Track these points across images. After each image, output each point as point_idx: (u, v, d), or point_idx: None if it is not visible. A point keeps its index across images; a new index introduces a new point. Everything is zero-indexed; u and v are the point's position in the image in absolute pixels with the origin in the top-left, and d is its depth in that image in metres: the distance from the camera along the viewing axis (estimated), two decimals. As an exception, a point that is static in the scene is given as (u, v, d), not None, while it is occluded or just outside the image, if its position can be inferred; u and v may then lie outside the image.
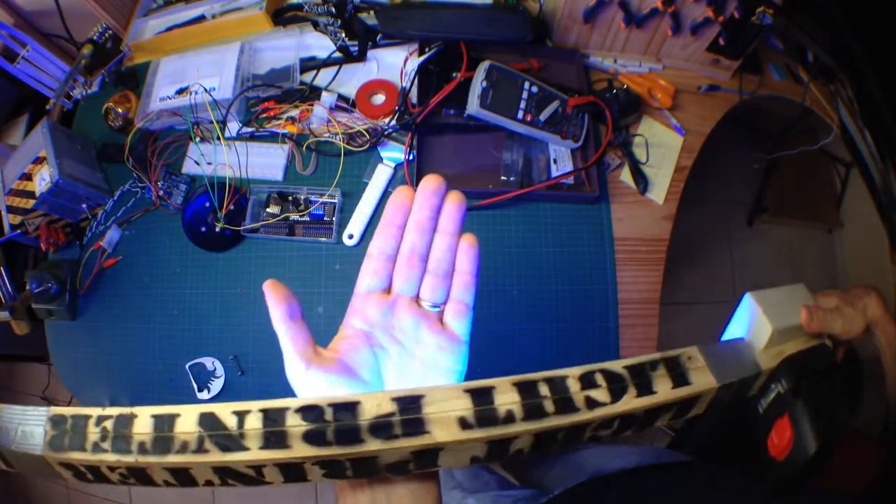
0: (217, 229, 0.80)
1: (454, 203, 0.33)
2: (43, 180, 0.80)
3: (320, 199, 0.80)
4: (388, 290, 0.35)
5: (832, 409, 0.38)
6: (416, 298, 0.35)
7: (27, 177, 0.82)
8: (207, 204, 0.82)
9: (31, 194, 0.81)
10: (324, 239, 0.79)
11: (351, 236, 0.79)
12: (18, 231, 0.82)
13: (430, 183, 0.33)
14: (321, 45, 0.88)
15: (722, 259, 1.55)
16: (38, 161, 0.82)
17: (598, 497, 0.53)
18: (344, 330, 0.35)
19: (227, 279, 0.81)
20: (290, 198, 0.81)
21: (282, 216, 0.79)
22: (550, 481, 0.69)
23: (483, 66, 0.75)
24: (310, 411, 0.28)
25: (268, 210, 0.80)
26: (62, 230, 0.84)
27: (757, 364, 0.37)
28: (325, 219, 0.80)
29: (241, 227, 0.79)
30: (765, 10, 0.78)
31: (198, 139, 0.84)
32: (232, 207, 0.80)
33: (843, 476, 0.45)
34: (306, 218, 0.80)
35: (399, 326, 0.34)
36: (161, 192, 0.82)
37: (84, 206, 0.84)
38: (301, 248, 0.80)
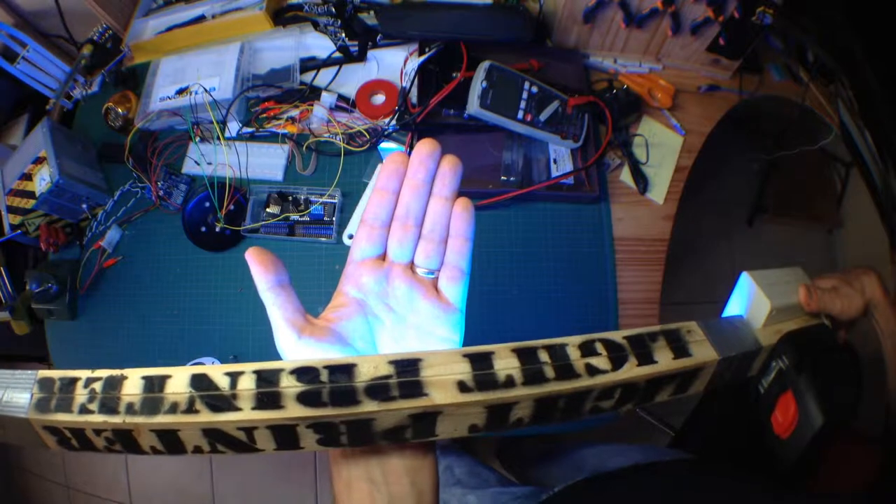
0: (217, 229, 0.80)
1: (449, 166, 0.33)
2: (43, 180, 0.80)
3: (320, 199, 0.80)
4: (382, 257, 0.34)
5: (836, 384, 0.38)
6: (411, 265, 0.34)
7: (27, 177, 0.82)
8: (207, 204, 0.82)
9: (31, 194, 0.81)
10: (324, 239, 0.79)
11: (351, 236, 0.79)
12: (18, 231, 0.82)
13: (425, 147, 0.32)
14: (321, 45, 0.88)
15: (722, 259, 1.56)
16: (38, 161, 0.82)
17: (598, 494, 0.53)
18: (337, 298, 0.34)
19: (227, 279, 0.81)
20: (290, 198, 0.81)
21: (282, 216, 0.80)
22: (550, 480, 0.69)
23: (483, 66, 0.75)
24: (305, 373, 0.28)
25: (268, 210, 0.80)
26: (62, 230, 0.84)
27: (757, 340, 0.37)
28: (325, 219, 0.80)
29: (241, 227, 0.79)
30: (765, 10, 0.78)
31: (198, 139, 0.84)
32: (232, 207, 0.80)
33: (842, 476, 0.45)
34: (306, 218, 0.80)
35: (393, 294, 0.33)
36: (161, 192, 0.82)
37: (84, 206, 0.84)
38: (301, 248, 0.80)
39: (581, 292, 0.78)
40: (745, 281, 0.39)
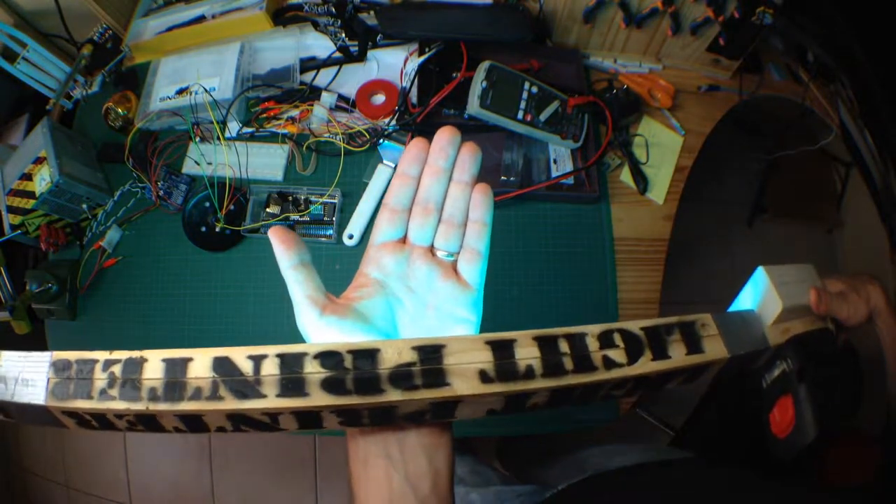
0: (217, 229, 0.80)
1: (468, 152, 0.34)
2: (43, 180, 0.80)
3: (320, 199, 0.80)
4: (402, 239, 0.35)
5: (835, 399, 0.38)
6: (431, 248, 0.35)
7: (27, 177, 0.82)
8: (207, 204, 0.82)
9: (31, 194, 0.81)
10: (324, 239, 0.79)
11: (351, 236, 0.79)
12: (18, 231, 0.82)
13: (446, 133, 0.33)
14: (321, 45, 0.88)
15: (722, 259, 1.56)
16: (38, 161, 0.82)
17: (600, 492, 0.53)
18: (358, 279, 0.35)
19: (227, 279, 0.81)
20: (290, 198, 0.81)
21: (282, 216, 0.79)
22: (551, 480, 0.69)
23: (483, 66, 0.75)
24: (328, 357, 0.28)
25: (268, 210, 0.80)
26: (62, 230, 0.84)
27: (765, 338, 0.37)
28: (325, 219, 0.80)
29: (241, 227, 0.79)
30: (765, 10, 0.78)
31: (198, 139, 0.84)
32: (232, 207, 0.80)
33: (841, 475, 0.45)
34: (306, 218, 0.80)
35: (413, 275, 0.34)
36: (161, 192, 0.82)
37: (84, 206, 0.84)
38: (301, 248, 0.80)
39: (581, 292, 0.78)
40: (761, 276, 0.39)
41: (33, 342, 0.85)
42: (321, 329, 0.31)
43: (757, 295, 0.39)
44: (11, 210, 0.83)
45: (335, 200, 0.80)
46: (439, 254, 0.35)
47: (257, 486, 1.48)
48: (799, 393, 0.37)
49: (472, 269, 0.34)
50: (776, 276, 0.39)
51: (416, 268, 0.34)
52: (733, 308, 0.41)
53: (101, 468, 1.54)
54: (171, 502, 1.51)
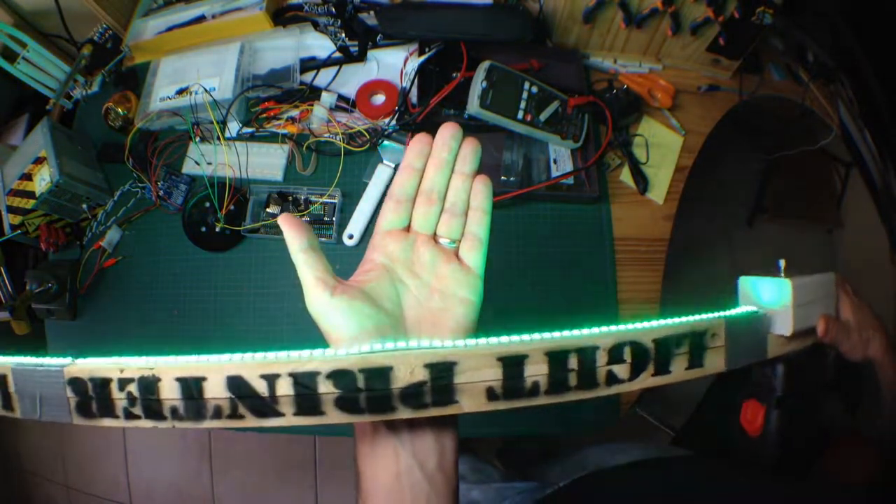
0: (217, 229, 0.80)
1: (470, 147, 0.36)
2: (43, 180, 0.80)
3: (320, 199, 0.80)
4: (407, 228, 0.37)
5: (800, 433, 0.40)
6: (434, 236, 0.37)
7: (27, 177, 0.82)
8: (207, 204, 0.82)
9: (31, 194, 0.81)
10: (324, 239, 0.79)
11: (351, 236, 0.79)
12: (18, 231, 0.82)
13: (449, 128, 0.36)
14: (321, 45, 0.88)
15: (722, 259, 1.56)
16: (38, 161, 0.82)
17: (601, 488, 0.53)
18: (364, 264, 0.37)
19: (227, 279, 0.81)
20: (290, 198, 0.81)
21: (282, 216, 0.79)
22: (552, 478, 0.69)
23: (483, 66, 0.75)
24: (341, 377, 0.28)
25: (268, 210, 0.80)
26: (62, 230, 0.84)
27: (765, 348, 0.38)
28: (325, 219, 0.80)
29: (241, 227, 0.79)
30: (765, 10, 0.78)
31: (198, 139, 0.84)
32: (232, 207, 0.80)
33: (840, 474, 0.46)
34: (306, 218, 0.80)
35: (418, 261, 0.36)
36: (161, 192, 0.82)
37: (84, 206, 0.84)
38: (301, 248, 0.80)
39: (581, 292, 0.78)
40: (786, 289, 0.39)
41: (33, 342, 0.85)
42: (331, 309, 0.33)
43: (775, 302, 0.39)
44: (11, 210, 0.83)
45: (335, 200, 0.80)
46: (442, 241, 0.37)
47: (257, 486, 1.48)
48: (771, 415, 0.39)
49: (474, 254, 0.37)
50: (799, 295, 0.38)
51: (420, 254, 0.36)
52: (751, 289, 0.41)
53: (101, 468, 1.54)
54: (172, 502, 1.51)
